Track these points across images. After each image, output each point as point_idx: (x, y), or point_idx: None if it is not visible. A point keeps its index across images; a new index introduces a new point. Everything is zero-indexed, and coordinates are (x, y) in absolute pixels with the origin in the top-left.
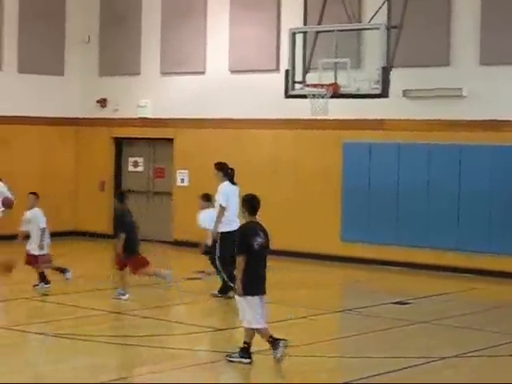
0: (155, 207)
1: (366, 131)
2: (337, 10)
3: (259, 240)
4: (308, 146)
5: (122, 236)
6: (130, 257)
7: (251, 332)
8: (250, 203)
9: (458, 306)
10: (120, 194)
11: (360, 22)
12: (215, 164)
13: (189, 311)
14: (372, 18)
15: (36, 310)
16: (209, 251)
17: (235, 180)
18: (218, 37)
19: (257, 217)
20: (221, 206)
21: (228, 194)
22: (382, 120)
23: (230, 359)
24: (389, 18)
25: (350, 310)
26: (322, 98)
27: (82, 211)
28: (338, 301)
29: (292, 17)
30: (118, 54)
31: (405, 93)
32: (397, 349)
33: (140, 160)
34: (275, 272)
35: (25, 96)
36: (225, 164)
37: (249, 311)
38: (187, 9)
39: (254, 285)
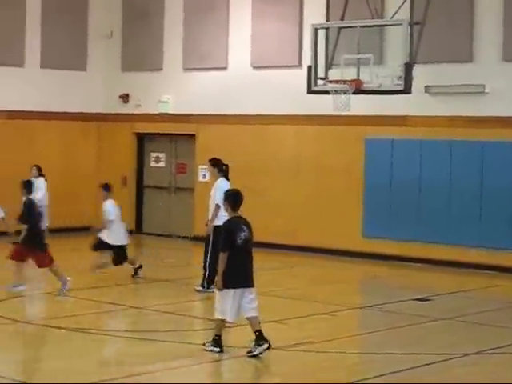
0: (177, 203)
1: (388, 127)
2: (359, 6)
3: (243, 234)
4: (330, 142)
5: (25, 227)
6: (36, 250)
7: (221, 323)
8: (233, 198)
9: (479, 303)
10: (27, 183)
11: (382, 18)
12: (209, 160)
13: (209, 307)
14: (394, 14)
15: (57, 305)
16: None
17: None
18: (240, 32)
19: (239, 212)
20: (217, 204)
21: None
22: (404, 116)
23: (204, 347)
24: (411, 14)
25: (371, 306)
26: (345, 93)
27: (102, 205)
28: (358, 297)
29: (314, 12)
30: (140, 50)
31: (427, 89)
32: (417, 345)
33: (162, 155)
34: (296, 268)
35: (47, 91)
36: (219, 160)
37: (222, 302)
38: (209, 4)
39: (233, 278)
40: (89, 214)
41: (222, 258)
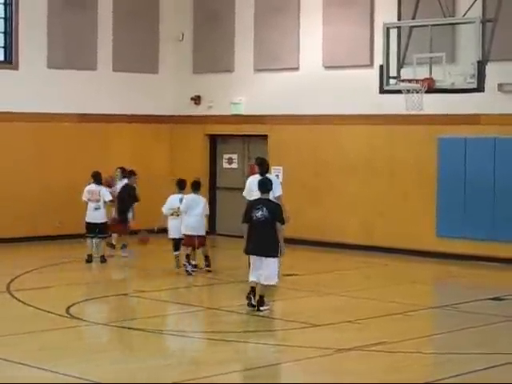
0: None
1: (461, 126)
2: (431, 5)
3: (259, 213)
4: (403, 142)
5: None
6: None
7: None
8: (262, 185)
9: None
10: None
11: (454, 16)
12: (256, 158)
13: (285, 306)
14: (466, 12)
15: (131, 307)
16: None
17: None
18: (312, 32)
19: (267, 195)
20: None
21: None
22: (477, 115)
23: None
24: (483, 11)
25: (447, 305)
26: (417, 93)
27: None
28: (433, 297)
29: (386, 12)
30: (211, 52)
31: (500, 87)
32: (493, 345)
33: (234, 157)
34: (370, 268)
35: (119, 94)
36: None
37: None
38: (280, 5)
39: (249, 246)
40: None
41: (243, 229)
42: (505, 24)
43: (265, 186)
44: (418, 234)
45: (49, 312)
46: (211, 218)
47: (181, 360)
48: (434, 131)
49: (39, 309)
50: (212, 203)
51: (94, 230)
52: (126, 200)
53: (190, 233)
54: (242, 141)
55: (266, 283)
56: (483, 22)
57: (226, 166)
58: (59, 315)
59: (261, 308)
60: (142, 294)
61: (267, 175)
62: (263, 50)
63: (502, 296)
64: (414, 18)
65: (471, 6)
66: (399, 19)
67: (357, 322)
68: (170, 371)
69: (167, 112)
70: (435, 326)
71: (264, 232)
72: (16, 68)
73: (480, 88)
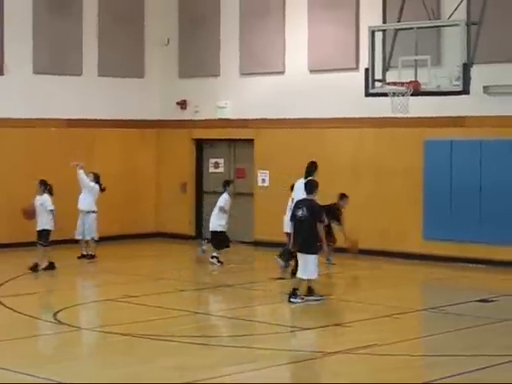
0: (236, 208)
1: (447, 128)
2: (416, 7)
3: (299, 212)
4: (389, 145)
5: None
6: None
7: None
8: (307, 185)
9: None
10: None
11: (439, 19)
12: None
13: (273, 311)
14: (452, 15)
15: (120, 312)
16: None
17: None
18: (297, 36)
19: (312, 196)
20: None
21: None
22: (462, 117)
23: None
24: (468, 13)
25: (434, 308)
26: (403, 95)
27: (163, 213)
28: (421, 299)
29: (371, 15)
30: (197, 56)
31: (485, 89)
32: (481, 347)
33: (220, 161)
34: (358, 271)
35: (105, 99)
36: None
37: None
38: (265, 9)
39: (295, 243)
40: (149, 221)
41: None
42: (489, 26)
43: (308, 187)
44: (404, 237)
45: (36, 318)
46: (198, 223)
47: (167, 364)
48: (420, 134)
49: (26, 315)
50: (198, 207)
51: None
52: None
53: None
54: (228, 145)
55: (305, 277)
56: (468, 25)
57: (212, 170)
58: (47, 321)
59: (292, 300)
60: (130, 299)
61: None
62: (249, 54)
63: (490, 298)
64: (399, 21)
65: (456, 8)
66: (384, 22)
67: (345, 325)
68: (154, 376)
69: (153, 117)
70: (424, 328)
71: (303, 230)
72: (1, 73)
73: (465, 90)
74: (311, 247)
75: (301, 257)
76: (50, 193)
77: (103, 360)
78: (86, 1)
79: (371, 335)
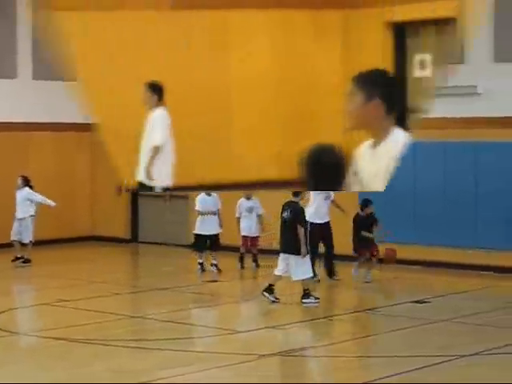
0: (172, 210)
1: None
2: None
3: (285, 214)
4: None
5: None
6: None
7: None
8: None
9: (478, 304)
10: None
11: None
12: None
13: (208, 314)
14: None
15: (55, 316)
16: None
17: None
18: None
19: (297, 199)
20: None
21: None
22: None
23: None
24: None
25: (370, 309)
26: None
27: (99, 216)
28: (357, 301)
29: None
30: None
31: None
32: (417, 347)
33: None
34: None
35: (40, 102)
36: None
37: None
38: None
39: (280, 245)
40: (84, 225)
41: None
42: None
43: (297, 193)
44: None
45: None
46: (134, 226)
47: (103, 368)
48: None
49: None
50: (134, 210)
51: None
52: None
53: None
54: None
55: (299, 278)
56: None
57: None
58: None
59: (304, 301)
60: (65, 303)
61: None
62: None
63: (424, 299)
64: None
65: None
66: None
67: (280, 327)
68: (91, 379)
69: (88, 120)
70: (359, 329)
71: (286, 231)
72: None
73: None
74: (292, 248)
75: (288, 258)
76: None
77: (39, 364)
78: (20, 2)
79: (306, 337)
